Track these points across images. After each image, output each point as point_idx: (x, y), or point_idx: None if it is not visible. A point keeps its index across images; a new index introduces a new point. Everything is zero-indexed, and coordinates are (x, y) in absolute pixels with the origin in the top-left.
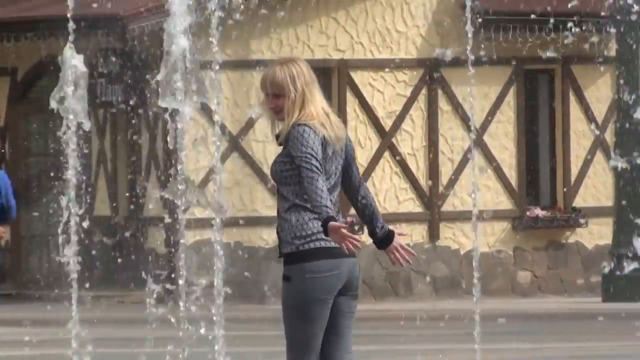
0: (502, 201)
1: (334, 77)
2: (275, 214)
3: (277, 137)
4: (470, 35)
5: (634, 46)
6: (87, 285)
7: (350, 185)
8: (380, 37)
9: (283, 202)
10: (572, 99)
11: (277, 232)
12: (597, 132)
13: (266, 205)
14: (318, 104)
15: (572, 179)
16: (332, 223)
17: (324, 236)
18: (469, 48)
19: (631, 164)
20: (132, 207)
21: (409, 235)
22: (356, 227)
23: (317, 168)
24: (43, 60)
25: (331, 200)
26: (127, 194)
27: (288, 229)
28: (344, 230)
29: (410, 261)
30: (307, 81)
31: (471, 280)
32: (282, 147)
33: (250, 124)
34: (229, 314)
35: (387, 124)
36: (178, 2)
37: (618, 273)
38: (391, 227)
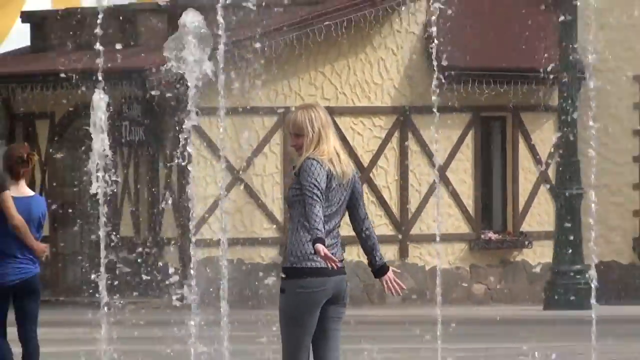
0: (460, 226)
1: None
2: (270, 235)
3: (294, 167)
4: (435, 87)
5: (573, 98)
6: (113, 293)
7: (357, 217)
8: (360, 88)
9: (291, 223)
10: (521, 141)
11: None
12: (542, 169)
13: (263, 228)
14: (331, 144)
15: (520, 208)
16: (316, 245)
17: (314, 257)
18: (434, 98)
19: (570, 194)
20: (151, 229)
21: (384, 253)
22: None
23: (317, 196)
24: (77, 106)
25: (331, 225)
26: (147, 218)
27: (289, 247)
28: (325, 252)
29: (401, 293)
30: (324, 124)
31: (434, 292)
32: (296, 176)
33: (250, 160)
34: (230, 317)
35: (366, 160)
36: (192, 62)
37: (556, 286)
38: None
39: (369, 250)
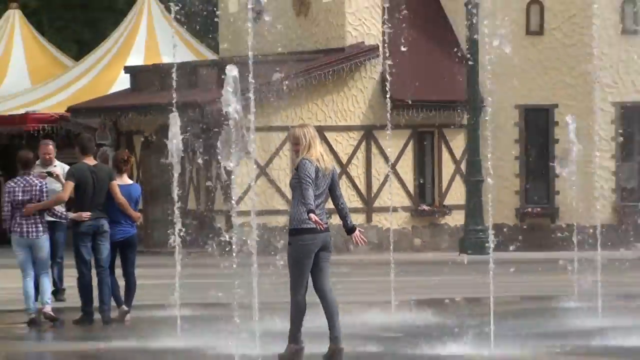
0: (405, 201)
1: None
2: (283, 208)
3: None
4: (388, 113)
5: (477, 119)
6: (183, 246)
7: (335, 196)
8: (341, 114)
9: (293, 200)
10: (444, 147)
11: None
12: (456, 166)
13: (278, 204)
14: (317, 149)
15: (443, 189)
16: (310, 214)
17: (309, 222)
18: (388, 120)
19: (475, 180)
20: (207, 204)
21: (356, 220)
22: (330, 215)
23: (309, 183)
24: (160, 126)
25: (318, 201)
26: (205, 197)
27: (292, 216)
28: (315, 219)
29: (364, 244)
30: (312, 136)
31: (388, 244)
32: (296, 170)
33: (270, 160)
34: (258, 261)
35: (344, 160)
36: (233, 98)
37: (467, 239)
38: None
39: (342, 217)
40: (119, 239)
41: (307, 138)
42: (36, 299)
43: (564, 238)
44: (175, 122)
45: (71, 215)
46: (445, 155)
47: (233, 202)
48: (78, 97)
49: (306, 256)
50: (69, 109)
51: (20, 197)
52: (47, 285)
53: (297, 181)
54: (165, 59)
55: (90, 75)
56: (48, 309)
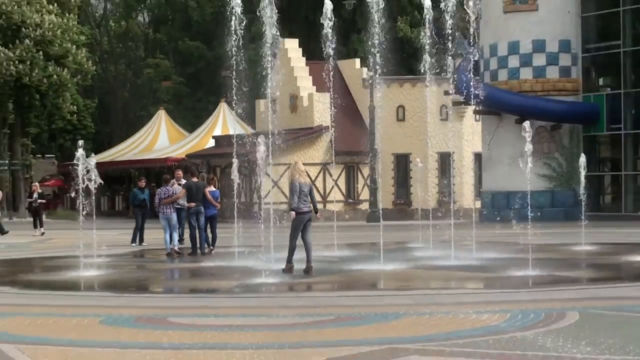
0: (341, 197)
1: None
2: (284, 201)
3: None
4: (333, 157)
5: (375, 158)
6: (238, 218)
7: (311, 196)
8: (311, 157)
9: (292, 197)
10: (360, 173)
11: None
12: (364, 181)
13: (282, 199)
14: (303, 173)
15: (359, 192)
16: (291, 212)
17: (302, 208)
18: (333, 160)
19: (374, 188)
20: (250, 198)
21: (320, 206)
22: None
23: (296, 192)
24: (228, 163)
25: (304, 198)
26: (248, 195)
27: (291, 205)
28: (293, 215)
29: (322, 218)
30: (299, 167)
31: (333, 218)
32: (290, 184)
33: (279, 178)
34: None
35: (313, 179)
36: (262, 149)
37: (371, 215)
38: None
39: (313, 205)
40: (209, 214)
41: (296, 168)
42: (170, 243)
43: (413, 214)
44: (234, 162)
45: (186, 204)
46: (360, 177)
47: (262, 197)
48: (192, 149)
49: (300, 223)
50: (187, 155)
51: (163, 196)
52: (175, 236)
53: (291, 190)
54: (231, 131)
55: (196, 139)
56: (176, 248)
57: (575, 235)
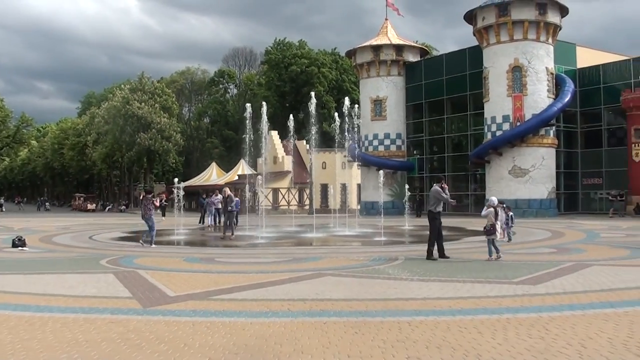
0: (297, 203)
1: None
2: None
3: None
4: (293, 184)
5: (312, 188)
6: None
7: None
8: (281, 184)
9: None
10: (305, 194)
11: None
12: (307, 198)
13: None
14: (230, 193)
15: (305, 201)
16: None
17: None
18: (292, 185)
19: (309, 207)
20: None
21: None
22: None
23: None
24: (246, 183)
25: (235, 207)
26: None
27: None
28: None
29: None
30: (228, 193)
31: (286, 212)
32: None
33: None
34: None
35: (282, 198)
36: (260, 179)
37: (310, 212)
38: None
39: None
40: (234, 210)
41: (227, 192)
42: (211, 222)
43: (330, 211)
44: (247, 186)
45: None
46: (305, 194)
47: (259, 202)
48: (227, 180)
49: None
50: (225, 183)
51: (212, 200)
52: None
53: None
54: (246, 172)
55: (229, 176)
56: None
57: (402, 222)
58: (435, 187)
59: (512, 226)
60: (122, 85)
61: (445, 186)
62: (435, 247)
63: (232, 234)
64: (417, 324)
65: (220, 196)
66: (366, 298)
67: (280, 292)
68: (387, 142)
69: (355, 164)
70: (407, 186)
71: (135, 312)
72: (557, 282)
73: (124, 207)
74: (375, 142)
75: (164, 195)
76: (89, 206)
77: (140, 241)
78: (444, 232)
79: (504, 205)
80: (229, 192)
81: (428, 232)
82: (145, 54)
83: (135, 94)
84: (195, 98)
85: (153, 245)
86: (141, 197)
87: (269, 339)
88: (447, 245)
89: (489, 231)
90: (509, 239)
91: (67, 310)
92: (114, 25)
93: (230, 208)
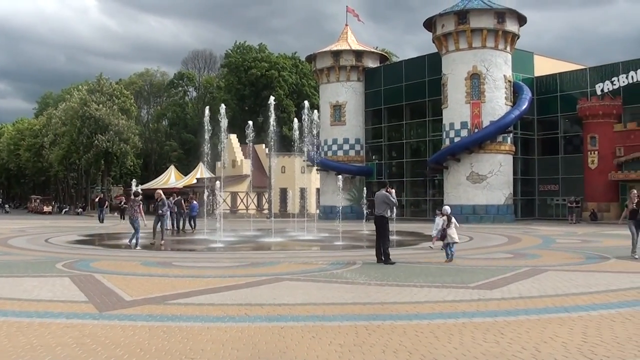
0: (253, 207)
1: None
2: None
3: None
4: (251, 188)
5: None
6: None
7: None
8: (240, 189)
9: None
10: (264, 198)
11: None
12: (266, 201)
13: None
14: (164, 197)
15: (265, 205)
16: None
17: (166, 211)
18: (251, 189)
19: (269, 211)
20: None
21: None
22: None
23: (163, 205)
24: (205, 186)
25: (169, 210)
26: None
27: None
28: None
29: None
30: (160, 194)
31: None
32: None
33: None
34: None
35: (241, 200)
36: (218, 182)
37: (268, 216)
38: None
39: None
40: (193, 214)
41: (161, 194)
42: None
43: (288, 215)
44: (206, 190)
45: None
46: (264, 198)
47: (218, 204)
48: (186, 184)
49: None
50: (184, 186)
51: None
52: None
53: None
54: (205, 176)
55: (188, 179)
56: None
57: (360, 226)
58: (383, 192)
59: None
60: (80, 86)
61: (392, 190)
62: (376, 251)
63: (162, 240)
64: (374, 328)
65: (174, 199)
66: (324, 302)
67: (237, 296)
68: (346, 147)
69: (315, 168)
70: (364, 191)
71: (91, 317)
72: (513, 287)
73: (80, 209)
74: (335, 147)
75: (123, 198)
76: (45, 208)
77: (127, 242)
78: (400, 237)
79: (441, 212)
80: (162, 195)
81: (383, 238)
82: (104, 54)
83: (93, 95)
84: (154, 100)
85: (138, 248)
86: (115, 202)
87: (226, 344)
88: (405, 250)
89: (443, 236)
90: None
91: (22, 314)
92: (73, 25)
93: (160, 212)
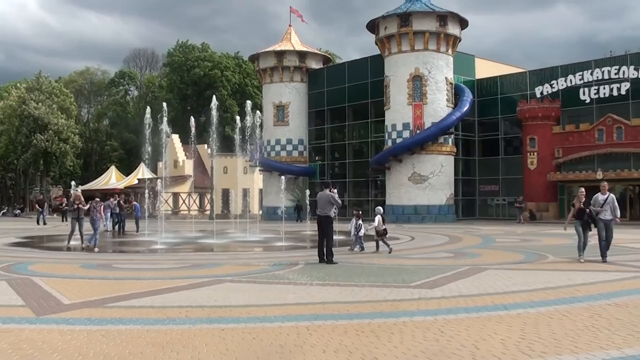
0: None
1: None
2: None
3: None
4: (213, 187)
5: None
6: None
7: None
8: (204, 191)
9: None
10: (227, 198)
11: None
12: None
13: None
14: (83, 201)
15: (232, 207)
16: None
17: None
18: (213, 188)
19: (227, 212)
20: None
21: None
22: None
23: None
24: (146, 187)
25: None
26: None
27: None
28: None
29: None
30: (78, 196)
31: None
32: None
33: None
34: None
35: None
36: (160, 182)
37: (240, 217)
38: None
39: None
40: (137, 215)
41: (75, 196)
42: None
43: (230, 217)
44: (146, 190)
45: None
46: (206, 199)
47: (160, 206)
48: (127, 184)
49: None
50: (125, 187)
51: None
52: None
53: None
54: (146, 176)
55: (129, 179)
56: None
57: (304, 227)
58: (327, 192)
59: (361, 236)
60: (18, 84)
61: (335, 191)
62: (319, 251)
63: (95, 245)
64: (315, 329)
65: (113, 200)
66: (265, 304)
67: (178, 298)
68: (289, 147)
69: (257, 169)
70: (307, 191)
71: (27, 321)
72: (454, 285)
73: (18, 211)
74: (278, 148)
75: (64, 200)
76: None
77: (85, 244)
78: (343, 237)
79: (360, 213)
80: (79, 196)
81: (325, 238)
82: (43, 52)
83: (32, 94)
84: (94, 99)
85: (96, 249)
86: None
87: (166, 347)
88: (346, 251)
89: (380, 233)
90: (362, 249)
91: None
92: (11, 20)
93: (79, 214)
